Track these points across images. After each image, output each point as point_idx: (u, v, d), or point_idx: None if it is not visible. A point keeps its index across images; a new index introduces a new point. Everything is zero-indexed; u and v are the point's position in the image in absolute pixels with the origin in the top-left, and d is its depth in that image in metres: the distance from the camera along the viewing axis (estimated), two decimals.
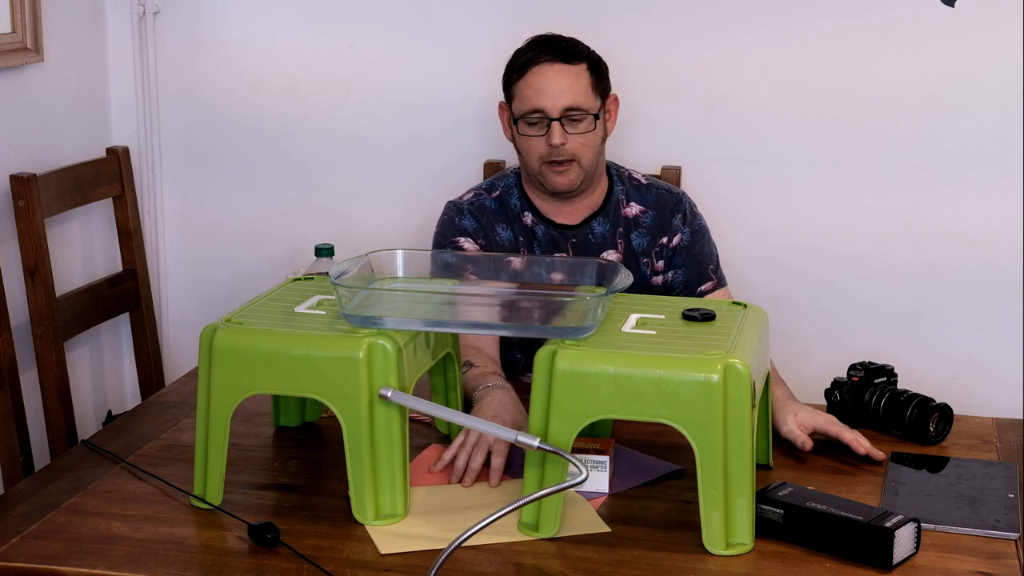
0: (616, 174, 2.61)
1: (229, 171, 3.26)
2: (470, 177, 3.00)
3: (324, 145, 3.19)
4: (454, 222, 2.56)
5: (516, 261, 2.22)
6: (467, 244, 2.55)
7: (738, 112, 2.99)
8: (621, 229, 2.57)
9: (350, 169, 3.19)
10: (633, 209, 2.58)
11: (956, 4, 2.83)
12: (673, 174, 2.96)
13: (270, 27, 3.17)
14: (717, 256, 2.63)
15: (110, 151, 3.11)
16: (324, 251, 2.43)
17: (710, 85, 2.99)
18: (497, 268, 2.20)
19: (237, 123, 3.22)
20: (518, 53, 2.52)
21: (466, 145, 3.09)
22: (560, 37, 2.51)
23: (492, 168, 3.00)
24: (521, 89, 2.48)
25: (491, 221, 2.56)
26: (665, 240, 2.58)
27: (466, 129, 3.10)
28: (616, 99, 2.57)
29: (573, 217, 2.57)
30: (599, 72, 2.50)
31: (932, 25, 2.86)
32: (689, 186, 2.93)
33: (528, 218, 2.57)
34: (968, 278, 2.95)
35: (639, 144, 2.95)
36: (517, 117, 2.49)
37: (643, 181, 2.63)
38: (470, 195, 2.61)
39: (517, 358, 2.61)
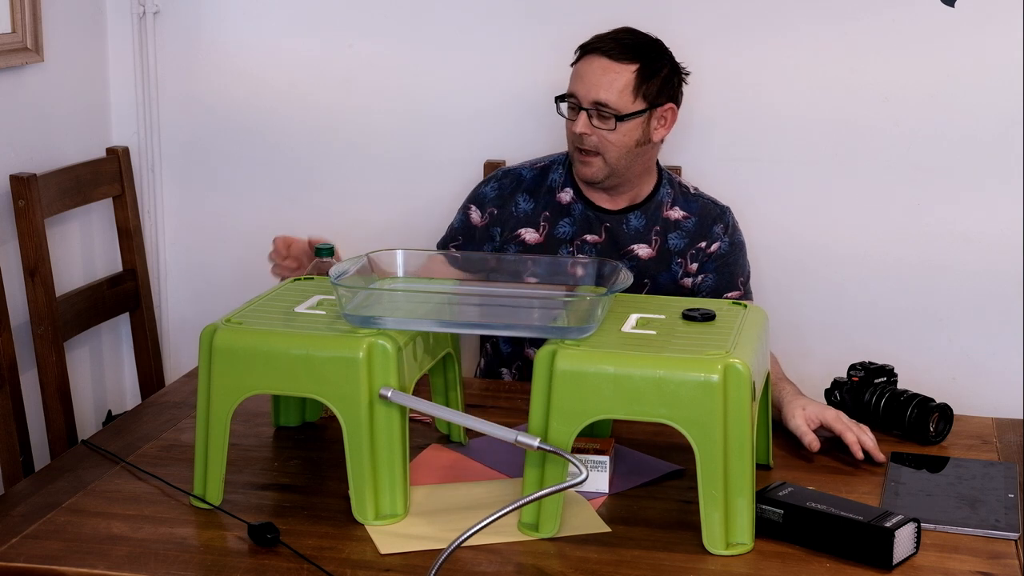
0: (668, 179, 2.65)
1: (229, 171, 3.26)
2: (470, 177, 3.00)
3: (324, 145, 3.19)
4: (479, 189, 2.65)
5: (518, 261, 2.23)
6: (474, 214, 2.63)
7: (738, 112, 2.99)
8: (659, 228, 2.59)
9: (350, 169, 3.19)
10: (676, 213, 2.61)
11: (956, 4, 2.83)
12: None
13: (270, 27, 3.17)
14: (749, 272, 2.66)
15: (110, 151, 3.11)
16: (324, 251, 2.43)
17: (710, 85, 2.98)
18: (499, 267, 2.21)
19: (237, 123, 3.22)
20: (592, 37, 2.54)
21: (466, 145, 3.09)
22: (629, 34, 2.54)
23: (492, 168, 3.00)
24: (572, 72, 2.53)
25: (514, 191, 2.61)
26: (703, 244, 2.61)
27: (466, 129, 3.10)
28: (673, 109, 2.55)
29: (613, 204, 2.60)
30: (650, 78, 2.49)
31: (932, 25, 2.85)
32: None
33: (567, 195, 2.59)
34: (968, 278, 2.95)
35: None
36: (558, 97, 2.54)
37: (691, 190, 2.67)
38: (518, 165, 2.68)
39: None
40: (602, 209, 2.59)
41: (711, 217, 2.62)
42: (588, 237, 2.58)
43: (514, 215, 2.59)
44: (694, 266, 2.61)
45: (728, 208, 2.66)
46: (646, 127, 2.51)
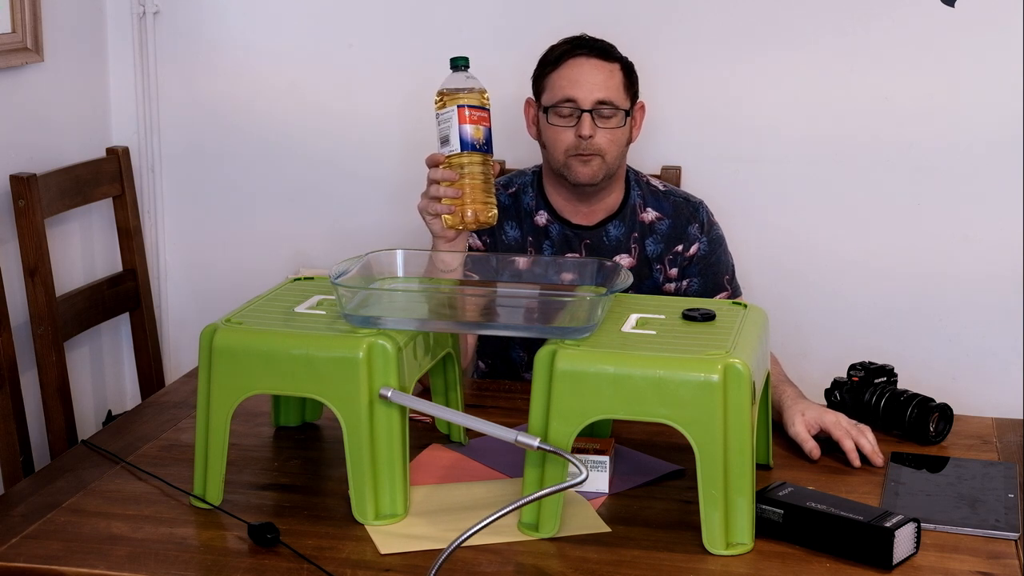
0: (634, 179, 2.62)
1: (229, 171, 3.26)
2: None
3: (324, 145, 3.19)
4: None
5: (518, 261, 2.22)
6: (472, 239, 2.56)
7: (739, 113, 2.99)
8: (636, 234, 2.57)
9: (350, 169, 3.19)
10: (649, 215, 2.59)
11: (956, 5, 2.83)
12: (673, 174, 2.96)
13: (270, 27, 3.17)
14: (733, 266, 2.64)
15: (110, 151, 3.11)
16: (460, 61, 2.33)
17: (711, 85, 2.99)
18: (499, 268, 2.20)
19: (237, 123, 3.22)
20: (553, 48, 2.53)
21: None
22: (593, 38, 2.53)
23: None
24: (554, 80, 2.49)
25: (500, 219, 2.56)
26: (680, 248, 2.59)
27: None
28: (643, 106, 2.58)
29: (589, 218, 2.57)
30: (631, 75, 2.53)
31: (933, 26, 2.86)
32: (689, 186, 2.93)
33: (542, 218, 2.57)
34: (968, 278, 2.95)
35: (639, 143, 2.94)
36: (548, 107, 2.49)
37: (661, 188, 2.64)
38: None
39: (520, 356, 2.61)
40: (579, 227, 2.57)
41: (684, 217, 2.60)
42: (558, 256, 2.55)
43: (504, 242, 2.57)
44: (674, 271, 2.59)
45: (701, 202, 2.63)
46: (630, 125, 2.53)
